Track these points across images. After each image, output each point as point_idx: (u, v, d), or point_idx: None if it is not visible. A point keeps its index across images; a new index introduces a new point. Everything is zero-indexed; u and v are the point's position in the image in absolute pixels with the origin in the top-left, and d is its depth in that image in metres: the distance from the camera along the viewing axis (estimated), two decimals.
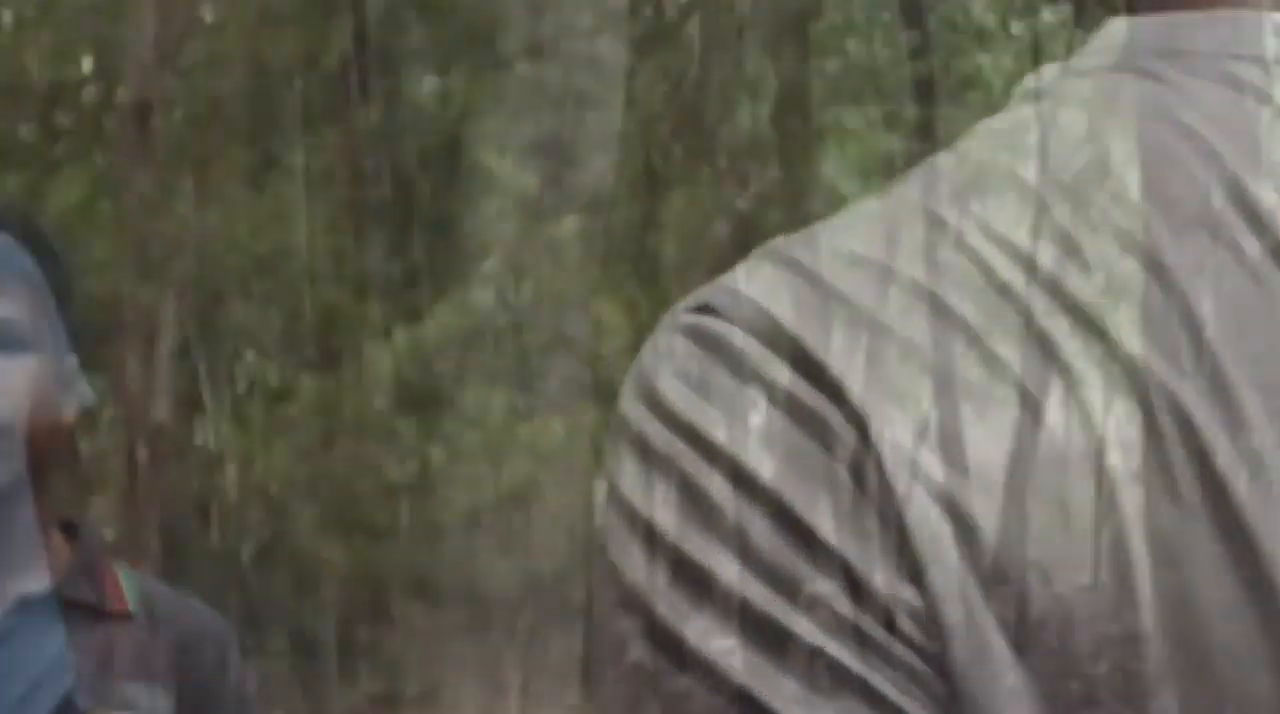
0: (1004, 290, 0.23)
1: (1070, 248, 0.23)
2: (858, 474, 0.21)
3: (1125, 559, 0.21)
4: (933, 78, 4.07)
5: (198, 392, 4.39)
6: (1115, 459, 0.21)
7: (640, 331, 4.74)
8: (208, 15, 4.51)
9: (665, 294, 4.53)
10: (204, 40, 4.42)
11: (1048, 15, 4.86)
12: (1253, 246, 0.23)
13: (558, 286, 4.21)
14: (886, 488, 0.21)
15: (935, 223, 0.24)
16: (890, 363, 0.22)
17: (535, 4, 1.63)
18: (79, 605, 0.76)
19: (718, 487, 0.22)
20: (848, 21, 4.99)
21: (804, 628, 0.21)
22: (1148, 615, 0.21)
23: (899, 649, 0.21)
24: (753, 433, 0.22)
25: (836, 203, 5.46)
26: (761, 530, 0.21)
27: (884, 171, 4.93)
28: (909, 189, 0.25)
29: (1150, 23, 0.26)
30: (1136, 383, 0.22)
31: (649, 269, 4.61)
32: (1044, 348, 0.22)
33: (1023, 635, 0.21)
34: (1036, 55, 4.83)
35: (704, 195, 4.48)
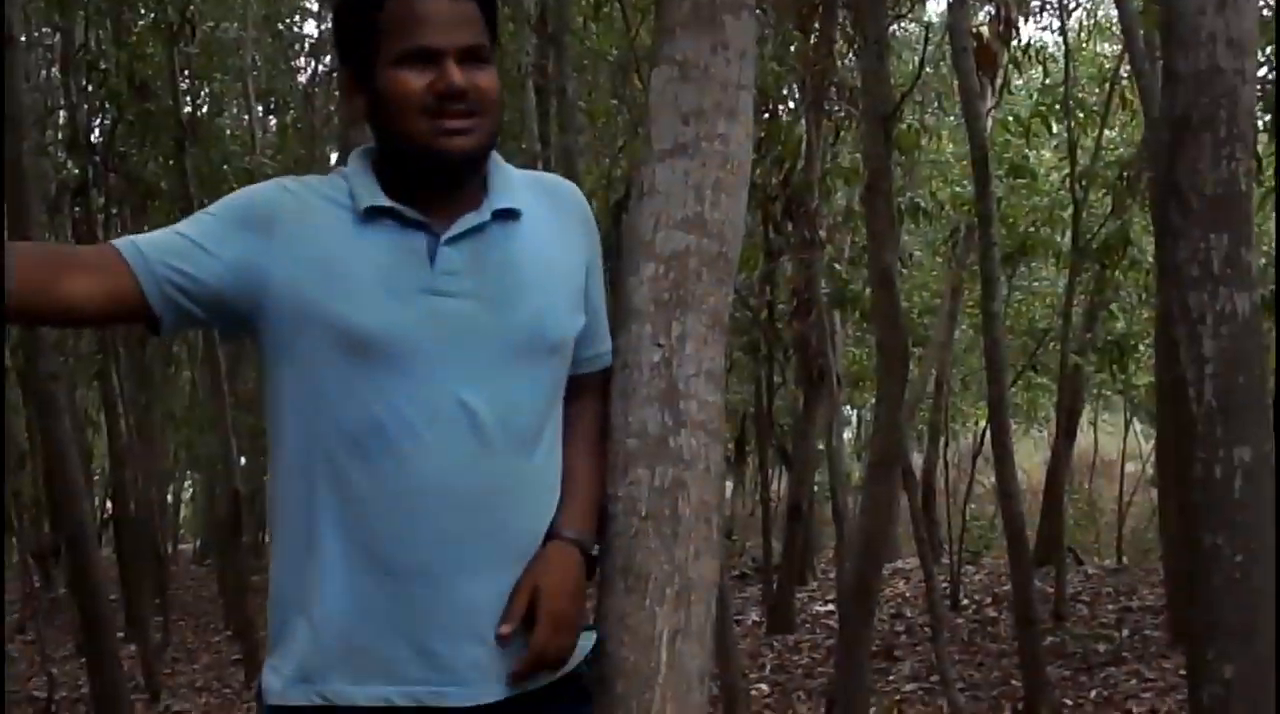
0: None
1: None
2: None
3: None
4: (988, 167, 10.02)
5: None
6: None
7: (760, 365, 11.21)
8: None
9: (779, 335, 10.99)
10: None
11: (1080, 116, 11.50)
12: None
13: None
14: None
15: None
16: None
17: (683, 115, 4.56)
18: None
19: None
20: (923, 124, 11.85)
21: None
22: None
23: None
24: None
25: (913, 267, 12.10)
26: None
27: (950, 242, 11.66)
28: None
29: None
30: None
31: (768, 318, 11.00)
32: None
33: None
34: (1071, 149, 11.40)
35: (808, 260, 10.86)
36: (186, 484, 19.13)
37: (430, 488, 2.19)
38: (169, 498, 16.95)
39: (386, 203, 2.23)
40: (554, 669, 2.29)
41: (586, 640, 2.37)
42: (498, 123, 2.29)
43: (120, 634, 9.55)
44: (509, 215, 2.28)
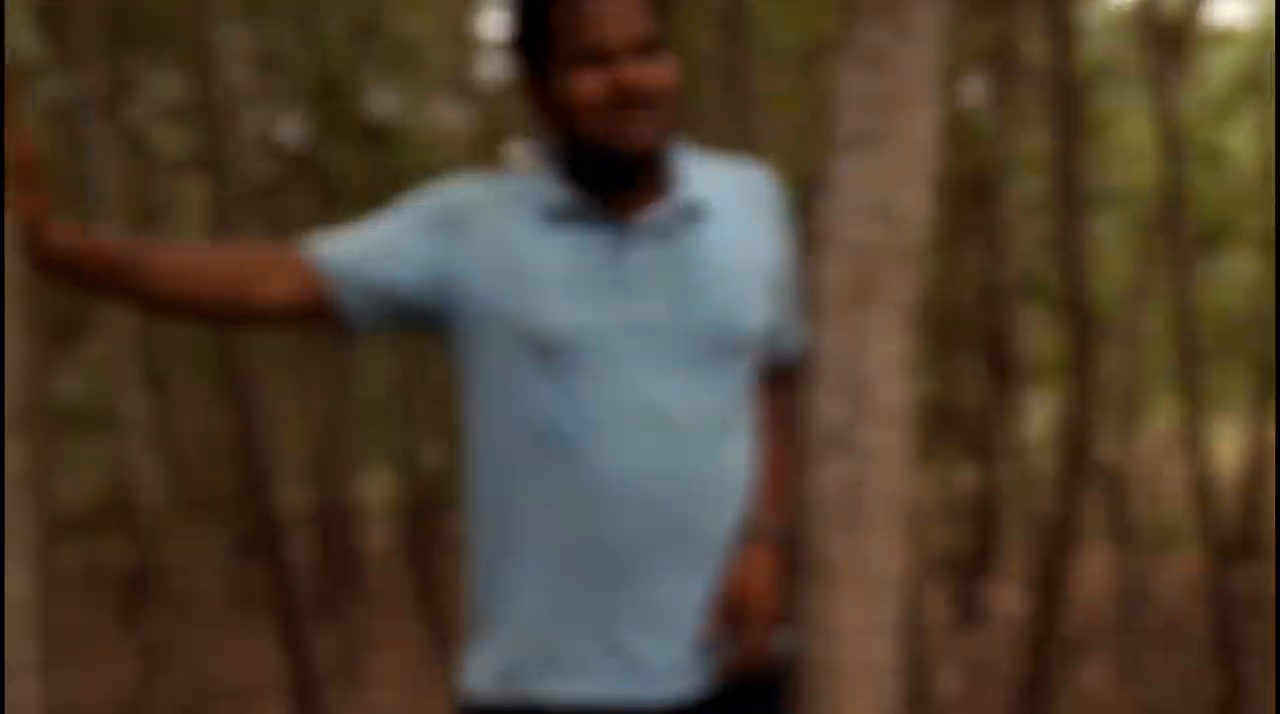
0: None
1: None
2: None
3: None
4: (1181, 150, 9.80)
5: None
6: None
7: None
8: None
9: (967, 326, 10.87)
10: None
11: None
12: None
13: None
14: None
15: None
16: None
17: (868, 104, 4.48)
18: None
19: None
20: (1110, 109, 11.65)
21: None
22: None
23: None
24: None
25: (1104, 253, 11.88)
26: None
27: (1141, 228, 11.42)
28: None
29: None
30: None
31: (955, 308, 10.91)
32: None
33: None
34: (1269, 130, 11.05)
35: (996, 244, 10.74)
36: (379, 475, 19.42)
37: (620, 486, 2.20)
38: (363, 489, 17.25)
39: (574, 201, 2.24)
40: (760, 666, 2.29)
41: (786, 639, 2.37)
42: (677, 112, 2.24)
43: (317, 621, 9.74)
44: (698, 209, 2.27)
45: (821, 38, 8.59)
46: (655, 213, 2.25)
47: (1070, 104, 6.41)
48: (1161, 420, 15.12)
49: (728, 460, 2.29)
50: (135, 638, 10.98)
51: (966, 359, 11.62)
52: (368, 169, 11.56)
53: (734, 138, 8.51)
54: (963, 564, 11.71)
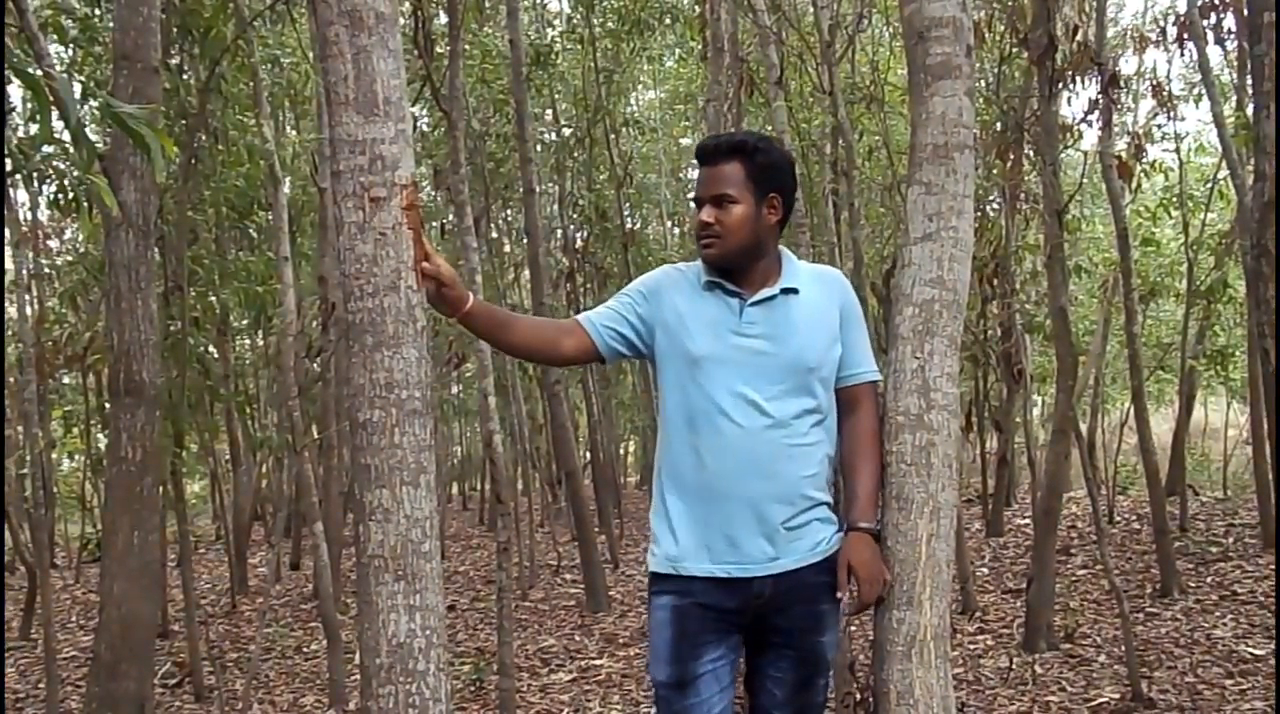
0: None
1: None
2: None
3: None
4: (1128, 240, 9.34)
5: None
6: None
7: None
8: None
9: (991, 351, 10.48)
10: None
11: (1190, 205, 10.54)
12: None
13: None
14: None
15: None
16: None
17: (928, 215, 4.23)
18: None
19: None
20: (1083, 214, 11.12)
21: None
22: None
23: None
24: None
25: (1077, 305, 11.31)
26: None
27: (1102, 289, 10.86)
28: None
29: None
30: None
31: (984, 340, 10.56)
32: None
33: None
34: (1185, 226, 10.46)
35: (1009, 303, 10.32)
36: (631, 442, 19.55)
37: (733, 447, 2.31)
38: (620, 450, 17.35)
39: (715, 280, 2.39)
40: (864, 608, 2.34)
41: (837, 536, 2.41)
42: (741, 240, 2.35)
43: (596, 529, 9.83)
44: (791, 290, 2.39)
45: (898, 175, 8.40)
46: (765, 290, 2.38)
47: (1055, 211, 6.15)
48: (1117, 410, 14.44)
49: (799, 435, 2.34)
50: (492, 536, 11.16)
51: (991, 370, 11.24)
52: (621, 261, 11.65)
53: (845, 237, 8.40)
54: (990, 496, 11.31)
